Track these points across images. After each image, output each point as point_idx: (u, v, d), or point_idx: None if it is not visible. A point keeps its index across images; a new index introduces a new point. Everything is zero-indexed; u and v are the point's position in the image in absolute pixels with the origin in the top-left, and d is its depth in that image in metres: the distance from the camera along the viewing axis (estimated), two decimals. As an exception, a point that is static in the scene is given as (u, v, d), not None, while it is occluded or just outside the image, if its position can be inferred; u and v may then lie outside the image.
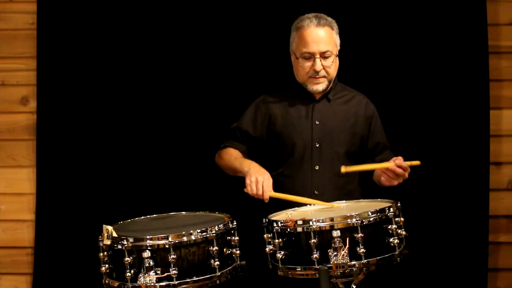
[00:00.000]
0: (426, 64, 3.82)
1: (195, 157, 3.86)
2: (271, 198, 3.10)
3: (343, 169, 3.15)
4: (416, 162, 3.15)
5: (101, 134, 3.90)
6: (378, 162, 3.33)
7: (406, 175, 3.16)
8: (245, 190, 3.14)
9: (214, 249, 2.75)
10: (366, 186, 3.38)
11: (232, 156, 3.37)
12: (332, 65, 3.30)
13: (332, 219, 2.75)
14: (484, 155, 3.83)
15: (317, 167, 3.31)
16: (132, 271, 2.72)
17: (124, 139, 3.90)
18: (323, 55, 3.28)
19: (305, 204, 3.14)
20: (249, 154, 3.40)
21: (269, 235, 2.86)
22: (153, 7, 3.87)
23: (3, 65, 3.97)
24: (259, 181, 3.10)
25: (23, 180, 4.00)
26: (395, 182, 3.17)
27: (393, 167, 3.13)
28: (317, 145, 3.32)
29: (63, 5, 3.88)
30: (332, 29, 3.32)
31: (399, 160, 3.14)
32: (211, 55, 3.87)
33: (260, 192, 3.09)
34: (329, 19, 3.34)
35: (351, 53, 3.54)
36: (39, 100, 3.94)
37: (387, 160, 3.33)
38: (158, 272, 2.70)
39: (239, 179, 3.24)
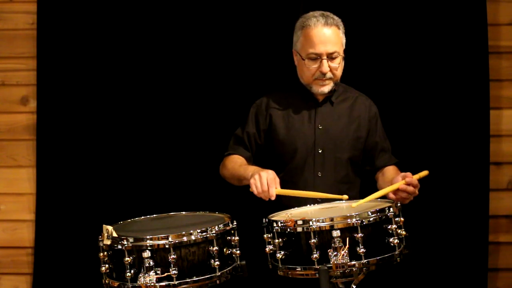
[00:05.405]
0: (426, 64, 3.82)
1: (195, 157, 3.86)
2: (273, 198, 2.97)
3: (354, 204, 2.90)
4: (424, 173, 3.07)
5: (101, 134, 3.90)
6: (380, 168, 3.32)
7: (417, 191, 3.00)
8: (251, 190, 2.98)
9: (214, 249, 2.74)
10: (366, 188, 3.36)
11: (237, 164, 3.23)
12: (339, 67, 3.20)
13: (332, 219, 2.74)
14: (484, 155, 3.83)
15: (319, 174, 3.23)
16: (132, 271, 2.72)
17: (124, 139, 3.89)
18: (330, 56, 3.16)
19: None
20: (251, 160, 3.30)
21: (269, 235, 2.84)
22: (153, 7, 3.86)
23: (3, 65, 3.97)
24: (262, 176, 2.93)
25: (23, 180, 4.00)
26: (406, 201, 2.98)
27: (404, 186, 2.96)
28: (320, 151, 3.23)
29: (63, 5, 3.87)
30: (339, 28, 3.21)
31: (409, 177, 2.98)
32: (209, 54, 3.86)
33: (265, 188, 2.90)
34: (336, 18, 3.22)
35: (350, 52, 3.52)
36: (39, 100, 3.94)
37: (388, 164, 3.33)
38: (158, 272, 2.69)
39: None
